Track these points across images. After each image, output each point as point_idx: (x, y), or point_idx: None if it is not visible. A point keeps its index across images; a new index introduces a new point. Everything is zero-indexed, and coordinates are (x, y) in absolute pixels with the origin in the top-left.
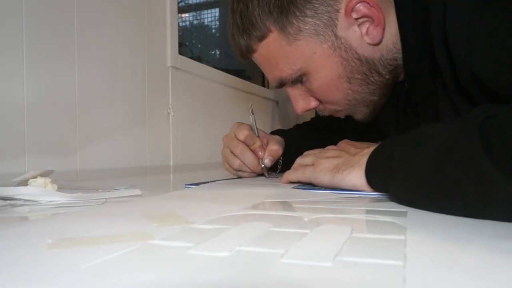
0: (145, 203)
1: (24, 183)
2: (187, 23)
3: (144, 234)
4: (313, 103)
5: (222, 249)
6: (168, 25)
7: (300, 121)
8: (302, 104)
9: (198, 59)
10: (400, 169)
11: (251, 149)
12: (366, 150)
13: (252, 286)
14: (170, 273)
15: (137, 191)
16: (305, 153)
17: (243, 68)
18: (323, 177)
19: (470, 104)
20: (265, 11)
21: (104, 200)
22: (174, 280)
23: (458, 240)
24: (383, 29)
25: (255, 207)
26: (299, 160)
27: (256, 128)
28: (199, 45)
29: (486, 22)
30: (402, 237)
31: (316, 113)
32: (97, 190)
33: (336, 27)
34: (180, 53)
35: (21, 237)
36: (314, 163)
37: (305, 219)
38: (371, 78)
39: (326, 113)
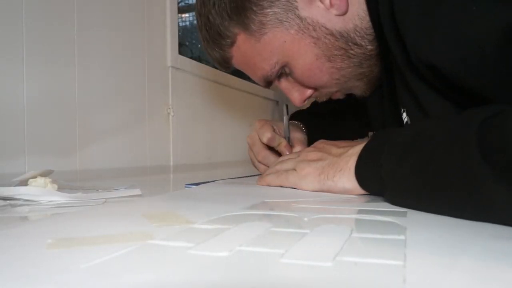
0: (145, 203)
1: (24, 183)
2: (187, 23)
3: (144, 234)
4: (308, 92)
5: (222, 249)
6: (168, 25)
7: None
8: (298, 95)
9: (198, 59)
10: (391, 177)
11: (277, 149)
12: (350, 151)
13: (252, 286)
14: (170, 273)
15: (137, 191)
16: (281, 158)
17: None
18: (311, 184)
19: (428, 88)
20: (225, 17)
21: (104, 200)
22: (174, 280)
23: (458, 240)
24: None
25: (255, 207)
26: (278, 166)
27: (289, 129)
28: (199, 45)
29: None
30: (402, 237)
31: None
32: (97, 190)
33: (297, 9)
34: (180, 53)
35: (21, 237)
36: (296, 168)
37: (305, 219)
38: (351, 51)
39: (324, 98)
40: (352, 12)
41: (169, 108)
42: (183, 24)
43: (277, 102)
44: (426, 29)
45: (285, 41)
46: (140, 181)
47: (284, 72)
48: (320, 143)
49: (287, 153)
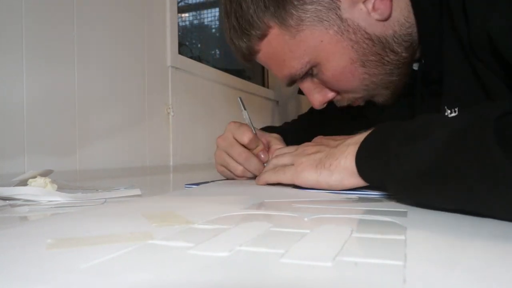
0: (145, 203)
1: (24, 183)
2: (187, 23)
3: (144, 234)
4: (330, 94)
5: (222, 249)
6: (168, 25)
7: None
8: (319, 97)
9: (198, 59)
10: (399, 162)
11: (253, 153)
12: (349, 140)
13: (252, 286)
14: (170, 273)
15: (137, 191)
16: (278, 152)
17: (243, 68)
18: (308, 176)
19: (495, 76)
20: (261, 7)
21: (104, 200)
22: (174, 280)
23: (458, 240)
24: (391, 1)
25: (255, 207)
26: (274, 161)
27: (253, 126)
28: (199, 45)
29: None
30: (402, 237)
31: (309, 110)
32: (97, 190)
33: (339, 9)
34: (180, 53)
35: (21, 237)
36: (294, 162)
37: (305, 219)
38: (386, 58)
39: (344, 103)
40: (394, 18)
41: (169, 108)
42: (183, 24)
43: (277, 102)
44: (490, 5)
45: (322, 41)
46: (140, 181)
47: (311, 72)
48: (318, 138)
49: (263, 156)
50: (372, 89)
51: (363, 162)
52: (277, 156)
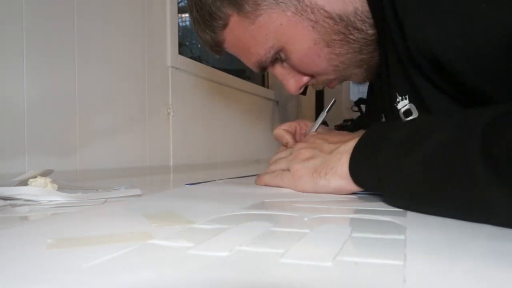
0: (145, 203)
1: (24, 183)
2: (187, 23)
3: (144, 234)
4: (305, 78)
5: (222, 249)
6: (168, 25)
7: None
8: (293, 82)
9: (198, 59)
10: (388, 176)
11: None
12: (342, 147)
13: (252, 286)
14: (170, 273)
15: (137, 191)
16: (275, 157)
17: (243, 68)
18: (305, 185)
19: (428, 83)
20: None
21: (104, 200)
22: (174, 280)
23: (458, 240)
24: None
25: (255, 207)
26: (272, 167)
27: (319, 124)
28: (199, 45)
29: None
30: (402, 237)
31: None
32: (97, 190)
33: None
34: (180, 53)
35: (21, 237)
36: (290, 169)
37: (305, 219)
38: (351, 36)
39: (321, 86)
40: None
41: (169, 108)
42: (183, 24)
43: (277, 102)
44: (427, 17)
45: (281, 24)
46: (140, 181)
47: (279, 57)
48: (311, 137)
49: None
50: (342, 69)
51: (356, 171)
52: (274, 161)
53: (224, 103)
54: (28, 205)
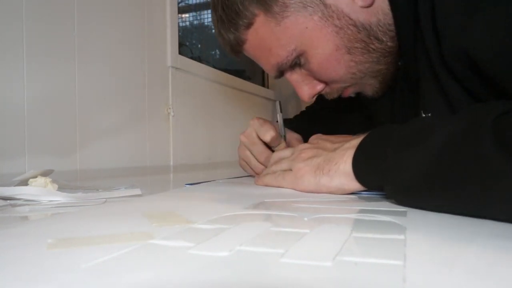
0: (145, 203)
1: (24, 183)
2: (187, 23)
3: (144, 234)
4: (319, 86)
5: (222, 249)
6: (168, 25)
7: None
8: (308, 89)
9: (198, 59)
10: (396, 169)
11: (275, 150)
12: (346, 144)
13: (252, 286)
14: (170, 273)
15: (137, 191)
16: (275, 156)
17: (243, 68)
18: (308, 183)
19: (460, 88)
20: None
21: (104, 200)
22: (174, 280)
23: (458, 240)
24: None
25: (255, 207)
26: (274, 167)
27: (284, 127)
28: (199, 45)
29: None
30: (402, 237)
31: (315, 101)
32: (97, 190)
33: None
34: (180, 53)
35: (21, 237)
36: (292, 168)
37: (305, 219)
38: (372, 46)
39: (334, 95)
40: (377, 5)
41: (169, 108)
42: (183, 24)
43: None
44: (471, 21)
45: (306, 27)
46: (140, 181)
47: (298, 62)
48: (315, 139)
49: None
50: (359, 77)
51: (360, 168)
52: (275, 161)
53: (224, 103)
54: (28, 205)
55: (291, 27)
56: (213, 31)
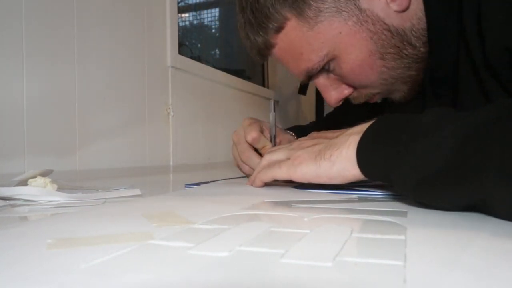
0: (145, 203)
1: (24, 183)
2: (187, 23)
3: (144, 234)
4: (347, 91)
5: (222, 249)
6: (168, 25)
7: (300, 122)
8: (335, 94)
9: (198, 59)
10: (411, 156)
11: (260, 151)
12: (351, 130)
13: (252, 286)
14: (170, 273)
15: (137, 191)
16: (266, 157)
17: (243, 68)
18: (306, 169)
19: (501, 88)
20: None
21: (104, 200)
22: (174, 280)
23: (458, 240)
24: None
25: (255, 207)
26: (267, 157)
27: (275, 127)
28: (199, 45)
29: None
30: (402, 237)
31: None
32: (97, 190)
33: None
34: (180, 53)
35: (21, 237)
36: (290, 156)
37: (305, 219)
38: (405, 51)
39: (361, 100)
40: (412, 10)
41: (169, 108)
42: (183, 24)
43: (277, 102)
44: (510, 18)
45: (340, 32)
46: (140, 181)
47: (327, 67)
48: (314, 133)
49: None
50: (390, 83)
51: (365, 153)
52: (270, 151)
53: (224, 103)
54: (28, 205)
55: (324, 32)
56: (213, 30)
